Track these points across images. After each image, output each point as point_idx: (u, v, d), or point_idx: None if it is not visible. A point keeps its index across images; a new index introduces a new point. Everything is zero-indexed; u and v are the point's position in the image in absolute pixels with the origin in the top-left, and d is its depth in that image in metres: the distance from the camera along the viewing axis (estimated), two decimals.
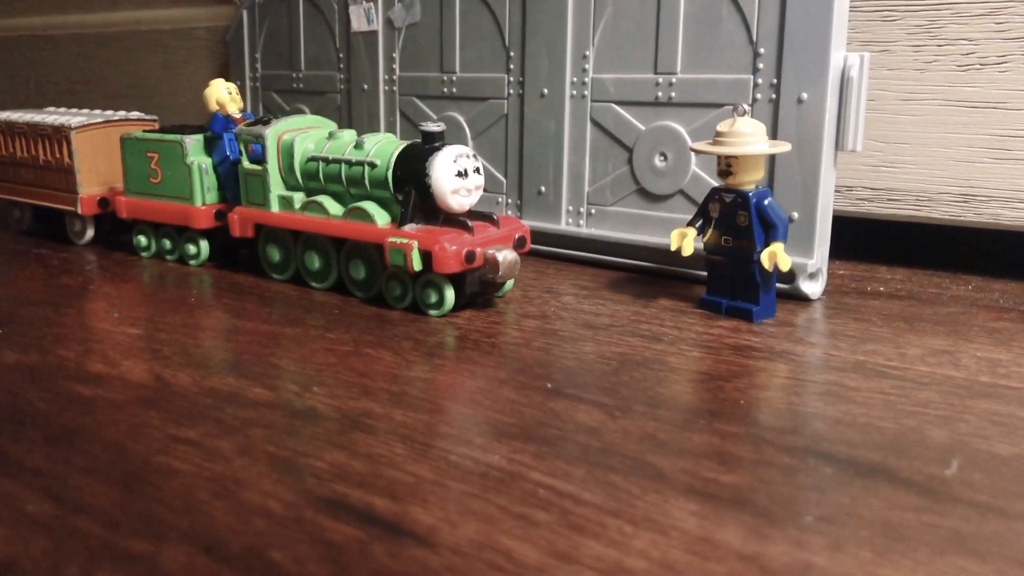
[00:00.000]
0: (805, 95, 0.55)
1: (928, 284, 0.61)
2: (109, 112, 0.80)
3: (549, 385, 0.43)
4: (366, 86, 0.79)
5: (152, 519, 0.31)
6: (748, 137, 0.51)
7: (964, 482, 0.33)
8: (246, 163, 0.63)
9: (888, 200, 0.63)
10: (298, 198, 0.61)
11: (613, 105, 0.65)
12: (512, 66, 0.69)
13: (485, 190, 0.61)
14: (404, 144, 0.56)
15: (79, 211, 0.75)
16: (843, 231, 0.63)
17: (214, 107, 0.67)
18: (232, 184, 0.66)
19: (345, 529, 0.30)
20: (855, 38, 0.61)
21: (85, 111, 0.82)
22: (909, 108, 0.61)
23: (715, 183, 0.55)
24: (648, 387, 0.43)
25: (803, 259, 0.56)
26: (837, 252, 0.61)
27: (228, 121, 0.67)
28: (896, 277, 0.63)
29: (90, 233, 0.77)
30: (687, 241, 0.53)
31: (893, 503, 0.32)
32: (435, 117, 0.75)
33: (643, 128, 0.63)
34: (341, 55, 0.81)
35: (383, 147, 0.57)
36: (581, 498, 0.32)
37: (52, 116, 0.77)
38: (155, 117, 0.81)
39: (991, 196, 0.60)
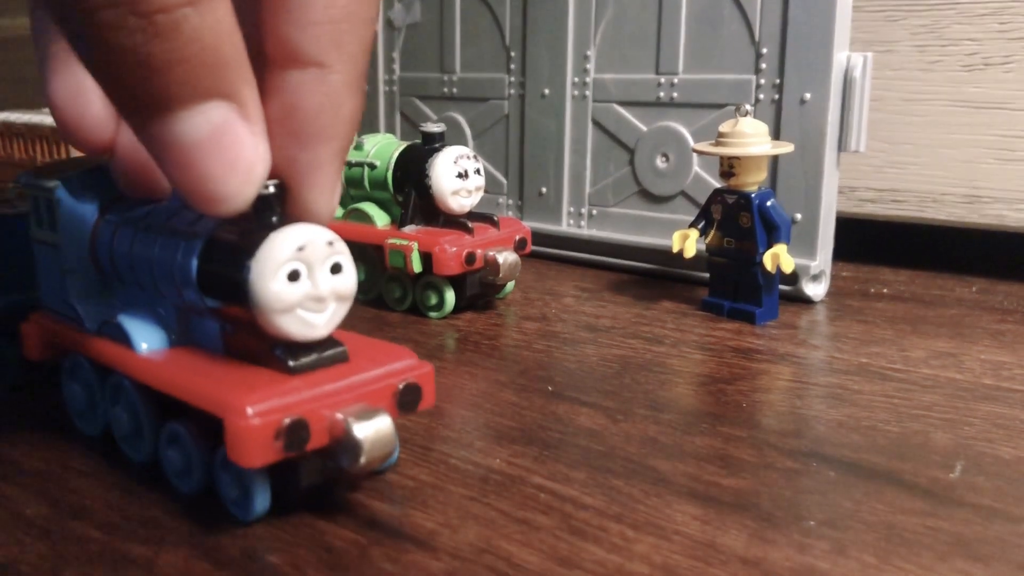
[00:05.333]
0: (808, 95, 0.55)
1: (932, 286, 0.60)
2: None
3: (550, 388, 0.43)
4: (366, 86, 0.79)
5: (150, 522, 0.31)
6: (750, 138, 0.50)
7: (968, 485, 0.33)
8: None
9: (892, 201, 0.63)
10: None
11: (614, 105, 0.64)
12: (513, 66, 0.69)
13: (485, 191, 0.61)
14: (404, 145, 0.56)
15: None
16: (847, 232, 0.63)
17: None
18: None
19: (344, 533, 0.30)
20: (858, 38, 0.61)
21: None
22: (913, 108, 0.61)
23: (717, 184, 0.54)
24: (650, 390, 0.42)
25: (806, 261, 0.55)
26: (840, 253, 0.61)
27: None
28: (900, 279, 0.62)
29: None
30: (689, 243, 0.53)
31: (897, 507, 0.31)
32: (435, 118, 0.74)
33: (645, 129, 0.63)
34: None
35: (383, 148, 0.57)
36: (582, 502, 0.32)
37: (50, 117, 0.77)
38: None
39: (996, 197, 0.59)
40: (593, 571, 0.28)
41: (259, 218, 0.29)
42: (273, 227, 0.29)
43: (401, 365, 0.31)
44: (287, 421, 0.28)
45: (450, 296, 0.53)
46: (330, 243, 0.29)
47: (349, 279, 0.30)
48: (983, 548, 0.29)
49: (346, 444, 0.28)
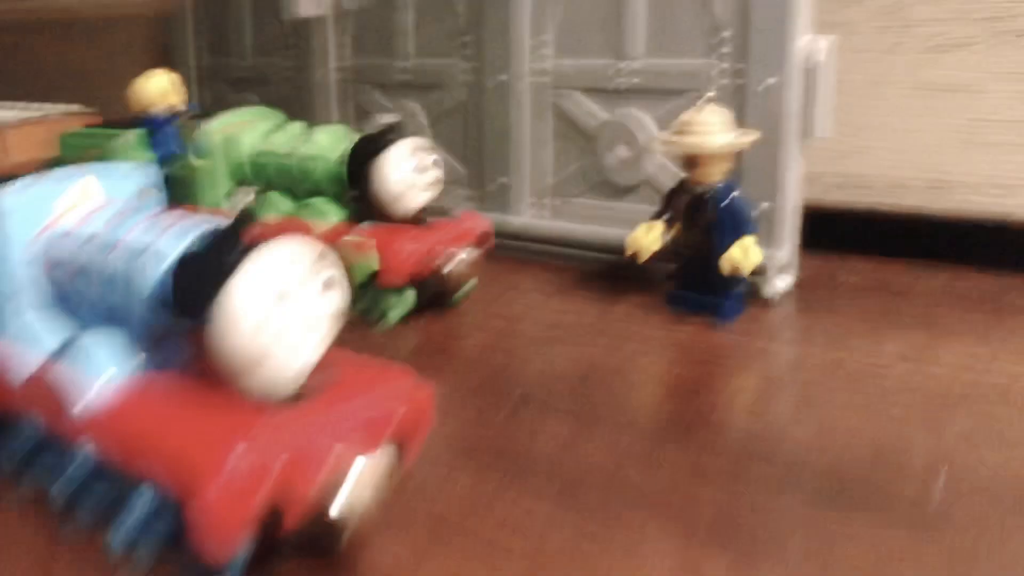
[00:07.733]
0: (771, 80, 0.53)
1: (901, 274, 0.59)
2: (48, 105, 0.76)
3: (515, 395, 0.41)
4: (317, 74, 0.76)
5: None
6: (713, 127, 0.49)
7: (952, 494, 0.32)
8: (190, 159, 0.60)
9: (856, 187, 0.62)
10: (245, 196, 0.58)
11: (574, 92, 0.62)
12: (468, 52, 0.67)
13: (443, 183, 0.59)
14: (356, 138, 0.54)
15: None
16: (813, 222, 0.62)
17: (148, 102, 0.63)
18: (174, 181, 0.63)
19: (289, 566, 0.28)
20: (819, 20, 0.60)
21: (21, 104, 0.78)
22: (875, 92, 0.60)
23: (682, 173, 0.53)
24: (619, 395, 0.41)
25: (772, 251, 0.54)
26: (807, 243, 0.59)
27: (169, 115, 0.64)
28: (868, 267, 0.61)
29: None
30: (652, 236, 0.51)
31: (880, 522, 0.30)
32: (390, 107, 0.72)
33: (606, 116, 0.61)
34: (290, 42, 0.78)
35: (334, 141, 0.54)
36: (554, 522, 0.30)
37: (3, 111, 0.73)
38: (96, 110, 0.77)
39: (960, 182, 0.59)
40: None
41: (238, 231, 0.26)
42: (255, 243, 0.26)
43: (396, 390, 0.28)
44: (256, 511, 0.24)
45: (408, 297, 0.51)
46: (320, 257, 0.27)
47: (341, 296, 0.27)
48: (971, 567, 0.28)
49: (323, 528, 0.26)
